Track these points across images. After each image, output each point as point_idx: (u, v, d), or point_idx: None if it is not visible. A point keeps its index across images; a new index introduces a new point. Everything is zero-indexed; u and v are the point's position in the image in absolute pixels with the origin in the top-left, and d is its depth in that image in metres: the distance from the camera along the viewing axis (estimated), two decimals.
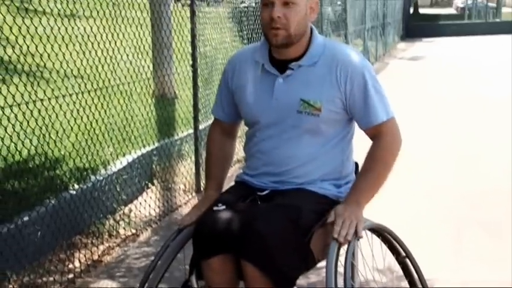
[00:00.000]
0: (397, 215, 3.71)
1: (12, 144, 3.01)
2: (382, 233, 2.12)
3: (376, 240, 2.11)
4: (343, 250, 1.85)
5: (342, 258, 1.83)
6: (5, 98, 2.87)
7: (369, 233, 2.07)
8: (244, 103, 2.09)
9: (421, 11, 41.26)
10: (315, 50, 2.01)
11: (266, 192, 2.03)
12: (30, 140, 3.19)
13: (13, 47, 2.87)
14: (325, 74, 1.98)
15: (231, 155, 2.32)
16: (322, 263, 1.88)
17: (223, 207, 1.94)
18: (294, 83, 1.99)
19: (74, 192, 3.48)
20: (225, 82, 2.17)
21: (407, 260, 2.14)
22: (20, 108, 2.96)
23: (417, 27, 24.91)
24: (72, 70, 3.55)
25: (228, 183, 2.21)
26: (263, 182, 2.06)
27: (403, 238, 2.16)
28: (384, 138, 2.01)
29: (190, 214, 2.11)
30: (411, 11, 30.33)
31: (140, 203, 4.00)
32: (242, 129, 2.31)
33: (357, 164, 2.21)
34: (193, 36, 4.45)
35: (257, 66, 2.07)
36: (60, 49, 3.28)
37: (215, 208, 1.95)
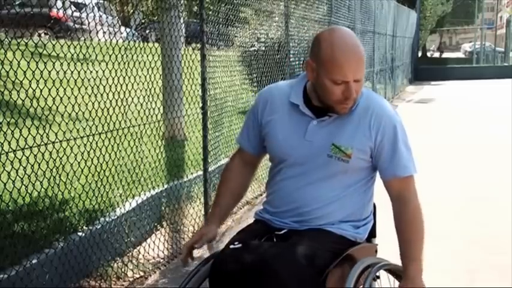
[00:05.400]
0: None
1: (23, 186, 3.03)
2: (399, 273, 2.12)
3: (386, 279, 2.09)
4: None
5: None
6: (17, 140, 2.90)
7: (385, 273, 2.06)
8: (273, 139, 2.11)
9: (429, 54, 41.56)
10: None
11: (284, 231, 2.05)
12: (41, 182, 3.21)
13: (26, 91, 2.92)
14: (359, 122, 2.01)
15: (246, 187, 2.33)
16: None
17: (240, 245, 1.95)
18: (327, 127, 2.03)
19: (83, 234, 3.48)
20: (254, 114, 2.18)
21: None
22: (31, 150, 3.00)
23: (426, 70, 25.10)
24: (83, 113, 3.60)
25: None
26: (283, 220, 2.08)
27: None
28: (412, 198, 2.02)
29: (188, 244, 2.15)
30: (419, 54, 30.60)
31: (149, 245, 3.98)
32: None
33: (374, 206, 2.22)
34: (203, 79, 4.51)
35: (291, 106, 2.09)
36: (72, 92, 3.33)
37: (232, 246, 1.96)
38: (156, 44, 5.29)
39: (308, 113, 2.05)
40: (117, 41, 3.87)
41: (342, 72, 1.90)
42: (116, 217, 3.81)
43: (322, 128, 2.03)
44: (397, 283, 2.16)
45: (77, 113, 3.53)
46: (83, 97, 3.45)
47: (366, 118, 2.02)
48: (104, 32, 3.77)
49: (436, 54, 46.02)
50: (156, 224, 4.35)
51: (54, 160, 3.21)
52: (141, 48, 4.10)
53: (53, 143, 3.16)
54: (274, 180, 2.15)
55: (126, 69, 3.76)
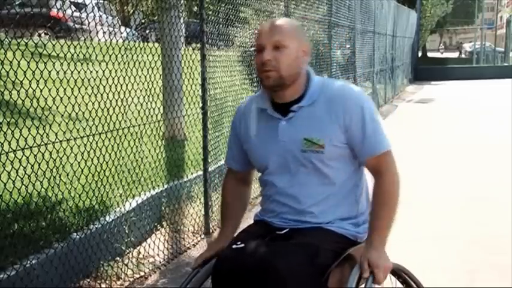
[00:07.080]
0: (410, 258, 3.66)
1: (23, 186, 3.03)
2: (400, 273, 2.12)
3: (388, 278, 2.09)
4: None
5: None
6: (17, 140, 2.90)
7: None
8: (252, 150, 2.16)
9: (430, 54, 41.58)
10: (313, 90, 2.06)
11: (285, 230, 2.06)
12: (41, 182, 3.21)
13: (26, 91, 2.92)
14: (325, 111, 2.02)
15: (247, 202, 2.38)
16: None
17: (242, 245, 1.96)
18: (296, 123, 2.04)
19: (83, 234, 3.48)
20: (234, 131, 2.24)
21: None
22: (31, 150, 3.00)
23: (426, 70, 25.10)
24: (83, 113, 3.60)
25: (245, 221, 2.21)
26: (283, 221, 2.09)
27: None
28: (387, 172, 2.03)
29: (203, 255, 2.15)
30: (419, 54, 30.60)
31: (149, 245, 3.98)
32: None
33: None
34: (203, 79, 4.51)
35: (261, 113, 2.13)
36: (72, 92, 3.33)
37: (234, 246, 1.98)
38: (156, 44, 5.30)
39: (276, 115, 2.07)
40: (117, 41, 3.87)
41: (259, 38, 2.02)
42: (116, 217, 3.81)
43: (292, 125, 2.04)
44: (398, 283, 2.17)
45: (77, 113, 3.53)
46: (83, 97, 3.45)
47: (330, 105, 2.02)
48: (104, 32, 3.77)
49: (451, 54, 45.36)
50: (156, 224, 4.35)
51: (54, 160, 3.21)
52: (141, 48, 4.10)
53: (53, 143, 3.16)
54: (265, 188, 2.18)
55: (126, 69, 3.76)
